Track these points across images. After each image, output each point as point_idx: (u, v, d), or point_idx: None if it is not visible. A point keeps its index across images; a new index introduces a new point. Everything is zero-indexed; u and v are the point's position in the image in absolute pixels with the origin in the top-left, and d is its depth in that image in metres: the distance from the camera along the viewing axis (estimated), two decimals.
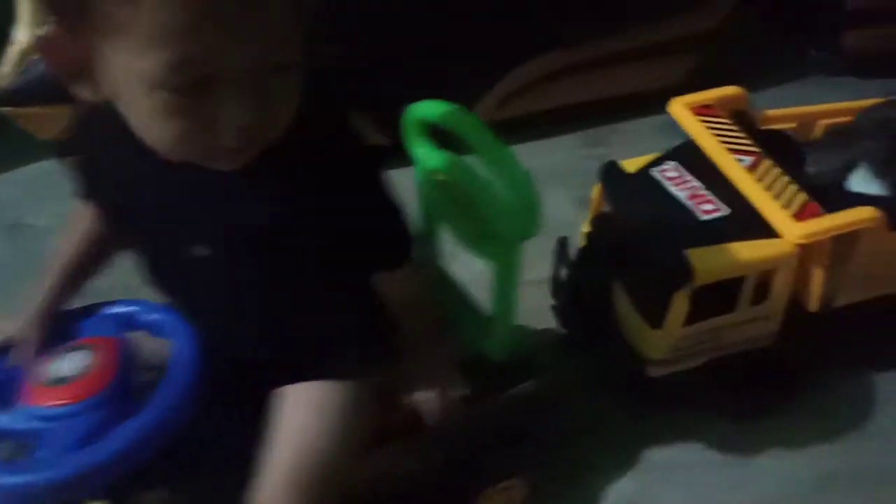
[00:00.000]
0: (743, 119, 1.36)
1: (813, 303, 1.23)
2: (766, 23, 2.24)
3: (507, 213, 0.90)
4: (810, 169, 1.33)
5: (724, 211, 1.21)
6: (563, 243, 1.45)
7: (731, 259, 1.15)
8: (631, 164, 1.35)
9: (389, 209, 0.80)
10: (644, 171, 1.31)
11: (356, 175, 0.75)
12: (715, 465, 1.24)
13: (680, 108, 1.35)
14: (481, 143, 0.90)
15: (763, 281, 1.18)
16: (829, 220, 1.12)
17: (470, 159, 0.90)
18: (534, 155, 1.27)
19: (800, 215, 1.14)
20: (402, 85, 1.12)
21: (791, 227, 1.12)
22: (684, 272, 1.13)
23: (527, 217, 0.91)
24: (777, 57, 2.15)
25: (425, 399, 0.89)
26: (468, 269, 1.08)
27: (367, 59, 1.57)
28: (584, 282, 1.35)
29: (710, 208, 1.22)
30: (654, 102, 1.53)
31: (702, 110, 1.35)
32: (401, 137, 0.94)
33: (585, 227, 1.40)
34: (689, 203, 1.23)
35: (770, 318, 1.23)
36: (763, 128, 1.40)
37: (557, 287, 1.37)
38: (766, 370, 1.29)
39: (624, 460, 1.23)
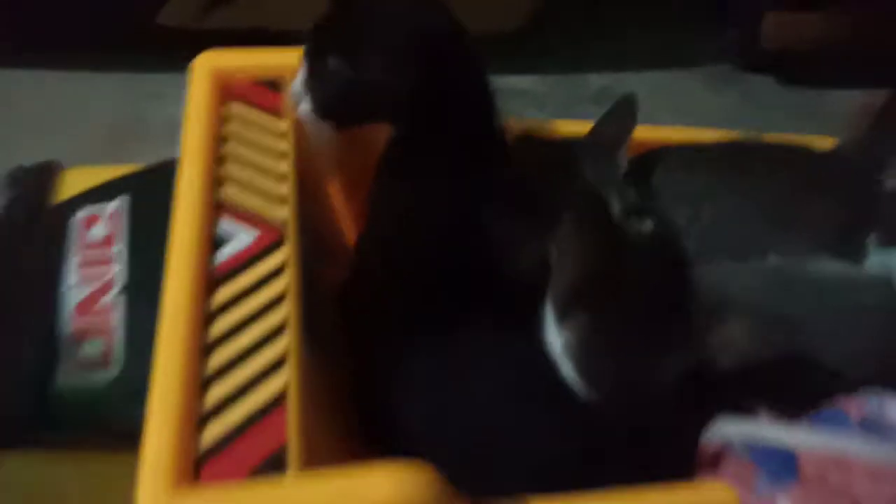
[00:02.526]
0: None
1: None
2: None
3: None
4: None
5: (117, 363, 0.48)
6: None
7: None
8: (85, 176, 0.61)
9: None
10: (66, 206, 0.58)
11: None
12: None
13: (202, 81, 0.59)
14: None
15: None
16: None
17: None
18: None
19: (208, 465, 0.40)
20: None
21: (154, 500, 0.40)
22: None
23: None
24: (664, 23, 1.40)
25: None
26: None
27: None
28: None
29: (96, 352, 0.49)
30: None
31: (251, 90, 0.60)
32: None
33: None
34: (74, 323, 0.50)
35: None
36: None
37: None
38: None
39: None
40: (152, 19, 1.18)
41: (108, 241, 0.54)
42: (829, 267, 0.64)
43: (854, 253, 0.71)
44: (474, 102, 0.61)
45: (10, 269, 0.53)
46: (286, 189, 0.54)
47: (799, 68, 1.34)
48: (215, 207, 0.52)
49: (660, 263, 0.51)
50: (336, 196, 0.69)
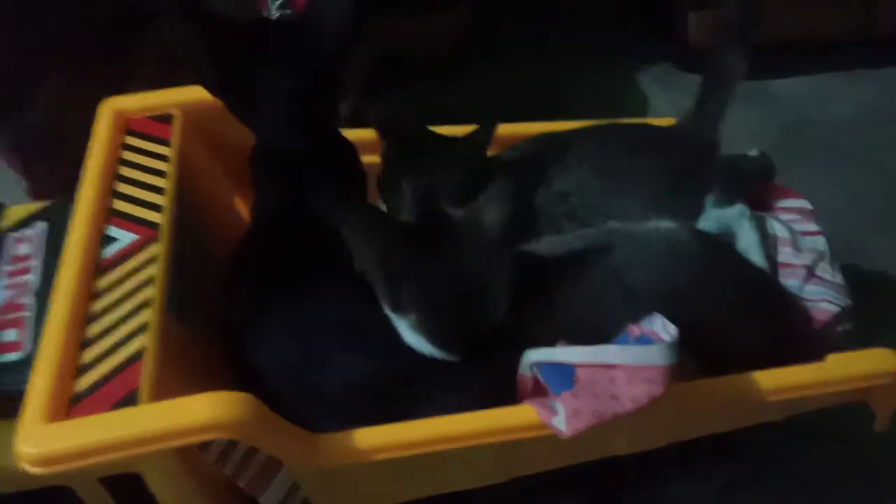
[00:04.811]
0: None
1: None
2: None
3: None
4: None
5: (25, 348, 0.61)
6: None
7: None
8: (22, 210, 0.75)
9: None
10: (4, 232, 0.72)
11: None
12: None
13: (105, 119, 0.73)
14: None
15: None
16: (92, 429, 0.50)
17: None
18: None
19: (79, 405, 0.52)
20: None
21: (30, 430, 0.51)
22: None
23: None
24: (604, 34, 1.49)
25: None
26: None
27: None
28: None
29: (11, 338, 0.62)
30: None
31: (145, 124, 0.73)
32: None
33: None
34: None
35: None
36: None
37: None
38: None
39: None
40: None
41: (28, 257, 0.68)
42: (646, 226, 0.73)
43: (689, 209, 0.79)
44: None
45: None
46: (163, 200, 0.66)
47: None
48: (108, 216, 0.64)
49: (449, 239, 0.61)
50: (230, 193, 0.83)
